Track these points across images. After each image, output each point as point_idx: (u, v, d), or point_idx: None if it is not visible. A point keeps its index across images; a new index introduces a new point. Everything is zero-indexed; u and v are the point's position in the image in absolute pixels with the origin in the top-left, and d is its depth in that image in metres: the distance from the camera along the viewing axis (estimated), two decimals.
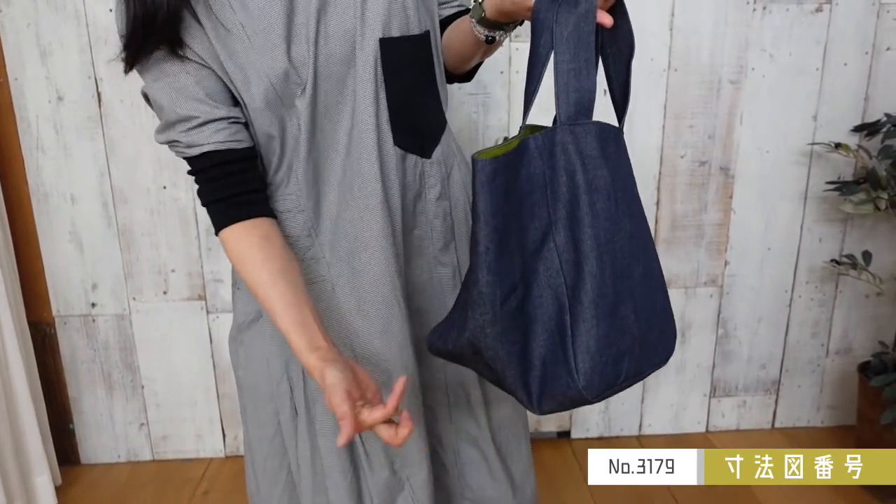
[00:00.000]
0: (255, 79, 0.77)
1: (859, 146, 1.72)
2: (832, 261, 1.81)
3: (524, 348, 0.67)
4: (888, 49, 1.71)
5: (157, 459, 1.90)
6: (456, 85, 1.02)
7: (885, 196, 1.55)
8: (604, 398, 0.67)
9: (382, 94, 0.82)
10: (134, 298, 1.79)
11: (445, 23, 0.92)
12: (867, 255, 1.70)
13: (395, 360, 0.88)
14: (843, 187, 1.65)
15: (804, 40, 1.70)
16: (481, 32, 0.83)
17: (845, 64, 1.72)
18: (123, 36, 0.75)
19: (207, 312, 1.81)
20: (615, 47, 0.72)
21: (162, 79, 0.77)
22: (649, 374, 0.74)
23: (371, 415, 0.69)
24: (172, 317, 1.81)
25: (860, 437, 1.72)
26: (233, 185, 0.81)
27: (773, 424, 1.99)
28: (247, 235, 0.81)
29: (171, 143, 0.81)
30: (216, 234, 0.84)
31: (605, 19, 0.68)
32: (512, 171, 0.65)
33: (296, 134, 0.81)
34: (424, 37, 0.85)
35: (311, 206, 0.86)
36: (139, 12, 0.72)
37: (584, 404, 0.66)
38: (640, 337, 0.68)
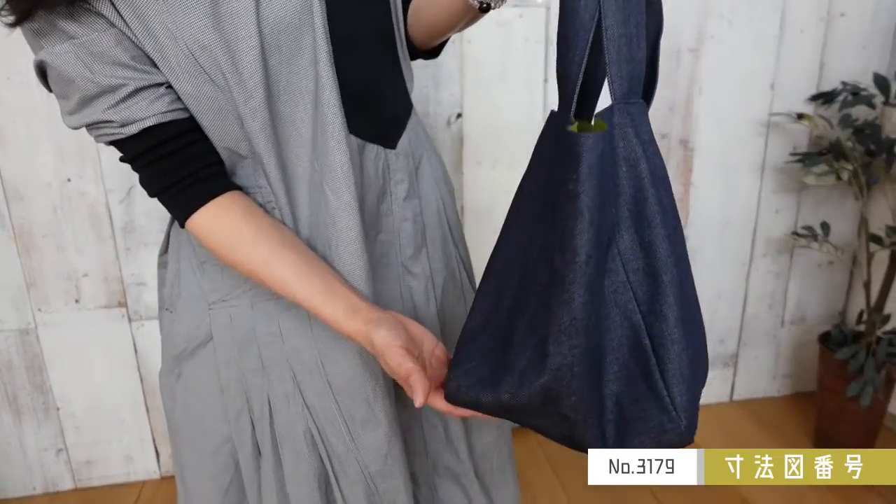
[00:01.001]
0: (172, 47, 0.59)
1: (820, 116, 1.69)
2: (793, 233, 1.79)
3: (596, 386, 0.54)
4: (842, 15, 1.67)
5: (81, 488, 1.68)
6: None
7: (849, 167, 1.53)
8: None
9: (334, 70, 0.66)
10: (40, 310, 1.54)
11: None
12: (826, 227, 1.68)
13: (368, 385, 0.74)
14: (805, 159, 1.61)
15: (763, 6, 1.64)
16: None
17: (802, 31, 1.68)
18: None
19: (130, 320, 1.59)
20: (650, 18, 0.58)
21: (67, 41, 0.58)
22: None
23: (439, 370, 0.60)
24: (88, 328, 1.58)
25: (822, 408, 1.72)
26: (189, 160, 0.65)
27: (731, 397, 1.99)
28: (226, 214, 0.65)
29: (95, 126, 0.62)
30: (181, 225, 0.67)
31: None
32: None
33: (251, 120, 0.64)
34: (382, 2, 0.71)
35: (285, 204, 0.69)
36: None
37: (682, 447, 0.54)
38: (704, 356, 0.57)
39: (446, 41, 0.84)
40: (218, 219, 0.66)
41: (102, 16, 0.58)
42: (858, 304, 1.86)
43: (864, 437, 1.67)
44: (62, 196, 1.48)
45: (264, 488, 0.76)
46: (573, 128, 0.51)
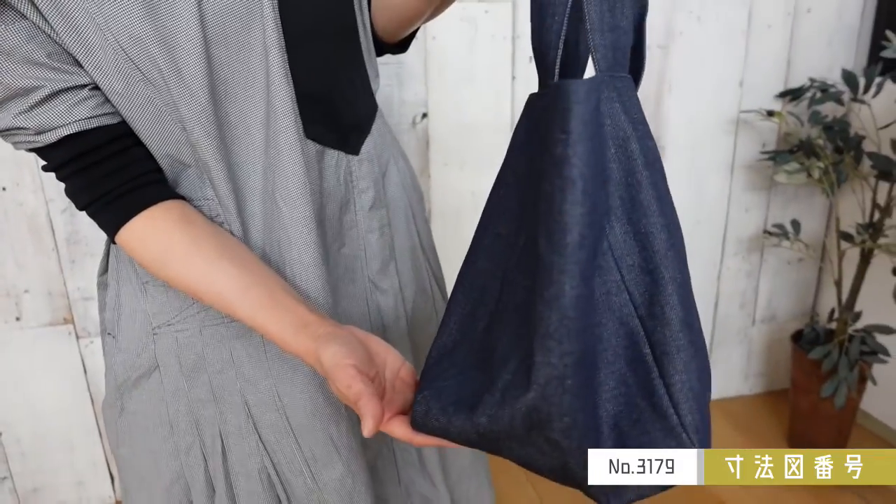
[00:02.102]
0: (99, 41, 0.52)
1: (789, 113, 1.68)
2: (765, 232, 1.78)
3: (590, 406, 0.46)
4: (808, 11, 1.66)
5: None
6: None
7: (821, 165, 1.51)
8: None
9: (287, 69, 0.60)
10: None
11: None
12: (796, 224, 1.67)
13: (331, 420, 0.68)
14: (775, 156, 1.59)
15: (731, 2, 1.62)
16: None
17: (769, 26, 1.66)
18: None
19: (77, 337, 1.49)
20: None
21: None
22: None
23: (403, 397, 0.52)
24: (31, 347, 1.47)
25: (795, 406, 1.71)
26: (118, 170, 0.57)
27: None
28: (158, 225, 0.58)
29: (8, 133, 0.55)
30: (112, 240, 0.60)
31: None
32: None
33: (194, 124, 0.57)
34: None
35: (235, 218, 0.62)
36: None
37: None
38: (708, 365, 0.50)
39: (414, 33, 0.77)
40: (149, 231, 0.58)
41: (10, 5, 0.50)
42: (828, 301, 1.86)
43: (838, 434, 1.67)
44: None
45: None
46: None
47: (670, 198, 0.48)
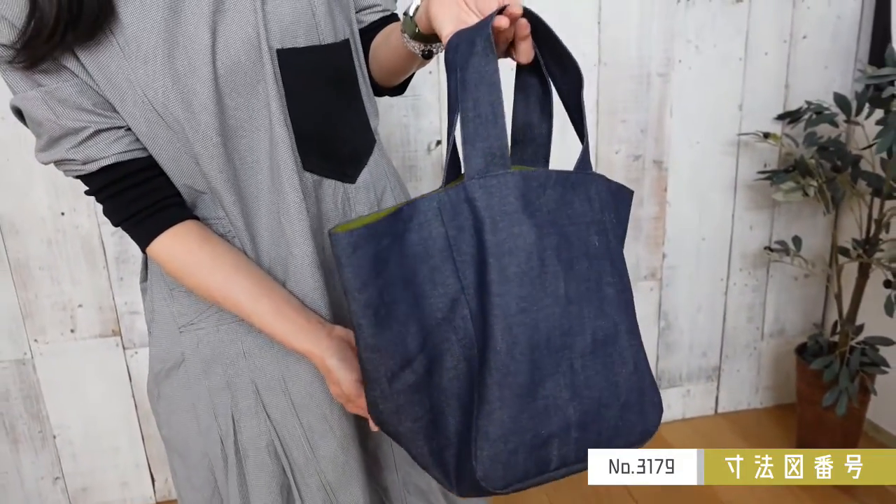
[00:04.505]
0: (130, 94, 0.65)
1: (785, 134, 1.75)
2: (766, 248, 1.85)
3: (436, 423, 0.60)
4: (804, 37, 1.75)
5: None
6: None
7: (815, 183, 1.58)
8: (523, 488, 0.60)
9: (286, 113, 0.72)
10: (36, 340, 1.59)
11: (369, 30, 0.82)
12: (798, 241, 1.74)
13: (325, 401, 0.79)
14: (772, 176, 1.67)
15: (727, 31, 1.72)
16: (416, 47, 0.73)
17: (766, 53, 1.75)
18: (21, 26, 0.60)
19: (124, 348, 1.64)
20: (567, 76, 0.63)
21: (36, 88, 0.65)
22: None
23: None
24: (83, 357, 1.62)
25: (802, 418, 1.76)
26: (146, 194, 0.71)
27: (716, 410, 2.02)
28: (182, 242, 0.72)
29: (61, 163, 0.69)
30: (143, 251, 0.73)
31: (522, 56, 0.60)
32: (387, 239, 0.57)
33: (206, 160, 0.70)
34: (340, 46, 0.75)
35: (245, 234, 0.75)
36: None
37: (489, 494, 0.59)
38: (581, 419, 0.59)
39: (409, 79, 0.89)
40: (175, 247, 0.72)
41: (67, 68, 0.64)
42: (835, 315, 1.91)
43: (844, 445, 1.71)
44: (56, 229, 1.54)
45: (231, 500, 0.80)
46: (337, 228, 0.57)
47: (534, 277, 0.57)
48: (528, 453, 0.58)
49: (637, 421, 0.63)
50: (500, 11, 0.57)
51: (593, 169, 0.65)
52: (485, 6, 0.58)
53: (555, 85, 0.65)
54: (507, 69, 0.59)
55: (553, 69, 0.64)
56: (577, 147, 0.64)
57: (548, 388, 0.57)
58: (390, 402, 0.60)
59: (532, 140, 0.68)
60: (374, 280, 0.56)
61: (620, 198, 0.68)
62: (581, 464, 0.61)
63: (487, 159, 0.57)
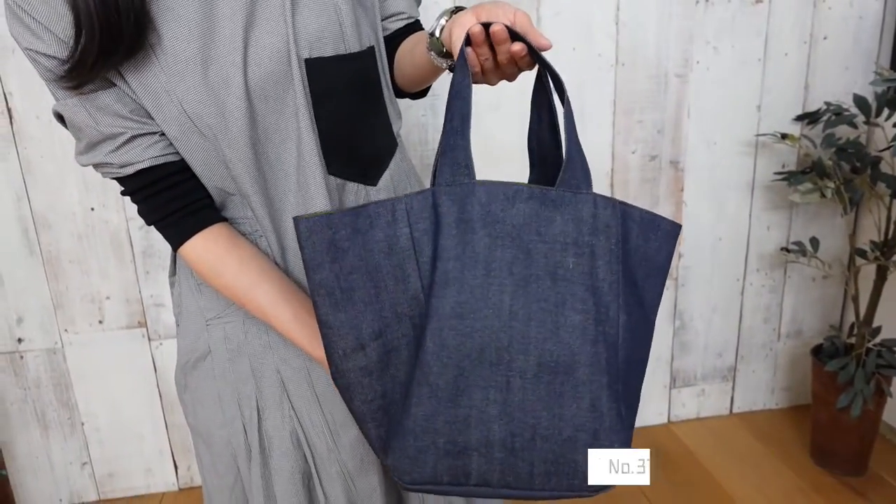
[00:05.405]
0: (167, 103, 0.69)
1: (803, 135, 1.75)
2: (782, 249, 1.85)
3: (387, 410, 0.63)
4: (825, 38, 1.74)
5: (104, 499, 1.78)
6: None
7: (832, 185, 1.58)
8: (438, 493, 0.61)
9: (313, 119, 0.75)
10: (66, 330, 1.65)
11: (394, 36, 0.85)
12: (815, 242, 1.73)
13: None
14: (790, 177, 1.67)
15: (746, 32, 1.72)
16: (443, 63, 0.76)
17: (786, 54, 1.74)
18: (71, 46, 0.63)
19: (149, 339, 1.69)
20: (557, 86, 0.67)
21: (76, 96, 0.69)
22: (546, 496, 0.62)
23: None
24: (111, 347, 1.68)
25: (816, 419, 1.76)
26: (179, 196, 0.75)
27: (731, 410, 2.02)
28: (213, 246, 0.76)
29: (100, 166, 0.73)
30: (174, 251, 0.78)
31: (502, 56, 0.66)
32: (345, 230, 0.60)
33: (236, 164, 0.73)
34: (366, 54, 0.78)
35: (271, 233, 0.79)
36: (99, 11, 0.61)
37: (406, 490, 0.63)
38: (508, 441, 0.59)
39: (430, 85, 0.92)
40: (206, 250, 0.76)
41: (107, 78, 0.68)
42: (852, 317, 1.90)
43: (859, 447, 1.70)
44: (87, 224, 1.59)
45: (253, 487, 0.84)
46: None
47: (479, 286, 0.59)
48: (439, 457, 0.60)
49: (582, 464, 0.61)
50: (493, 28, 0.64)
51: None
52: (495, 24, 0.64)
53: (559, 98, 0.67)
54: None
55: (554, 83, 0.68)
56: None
57: (473, 399, 0.58)
58: (342, 378, 0.63)
59: (545, 158, 0.72)
60: (329, 264, 0.60)
61: (651, 228, 0.66)
62: (508, 490, 0.61)
63: (454, 168, 0.60)
